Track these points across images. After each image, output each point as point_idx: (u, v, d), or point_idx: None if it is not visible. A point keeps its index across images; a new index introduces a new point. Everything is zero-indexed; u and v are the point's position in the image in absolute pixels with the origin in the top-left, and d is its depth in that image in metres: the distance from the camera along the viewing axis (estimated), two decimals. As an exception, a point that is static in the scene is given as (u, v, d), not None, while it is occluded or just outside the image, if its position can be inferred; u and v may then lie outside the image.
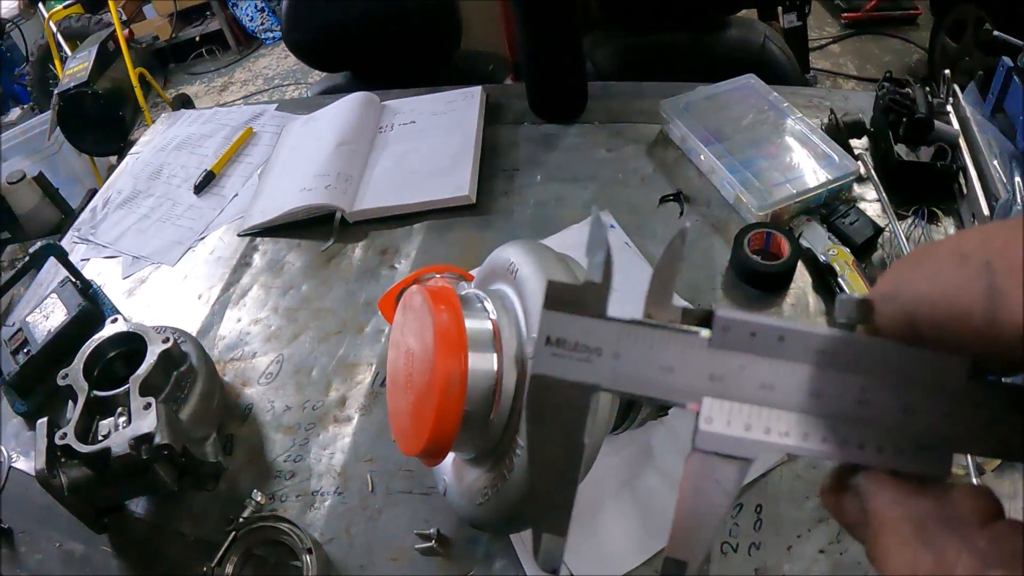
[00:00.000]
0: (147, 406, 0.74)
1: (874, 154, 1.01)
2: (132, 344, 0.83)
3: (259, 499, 0.76)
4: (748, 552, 0.68)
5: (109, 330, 0.85)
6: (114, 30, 2.98)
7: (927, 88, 0.99)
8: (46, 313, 1.00)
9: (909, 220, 0.92)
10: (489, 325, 0.60)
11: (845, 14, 3.33)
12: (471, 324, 0.59)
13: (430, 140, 1.18)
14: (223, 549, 0.72)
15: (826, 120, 1.04)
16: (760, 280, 0.88)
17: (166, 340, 0.81)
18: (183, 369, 0.83)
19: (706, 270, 0.92)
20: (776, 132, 1.04)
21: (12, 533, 0.83)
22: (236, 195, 1.22)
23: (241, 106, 1.50)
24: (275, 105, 1.42)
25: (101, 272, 1.15)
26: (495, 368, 0.58)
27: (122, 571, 0.79)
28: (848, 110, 1.04)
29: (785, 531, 0.69)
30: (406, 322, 0.64)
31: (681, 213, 1.00)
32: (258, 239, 1.13)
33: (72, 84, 2.69)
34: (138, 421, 0.73)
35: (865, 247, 0.89)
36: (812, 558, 0.67)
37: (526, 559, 0.70)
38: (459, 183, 1.08)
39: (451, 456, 0.67)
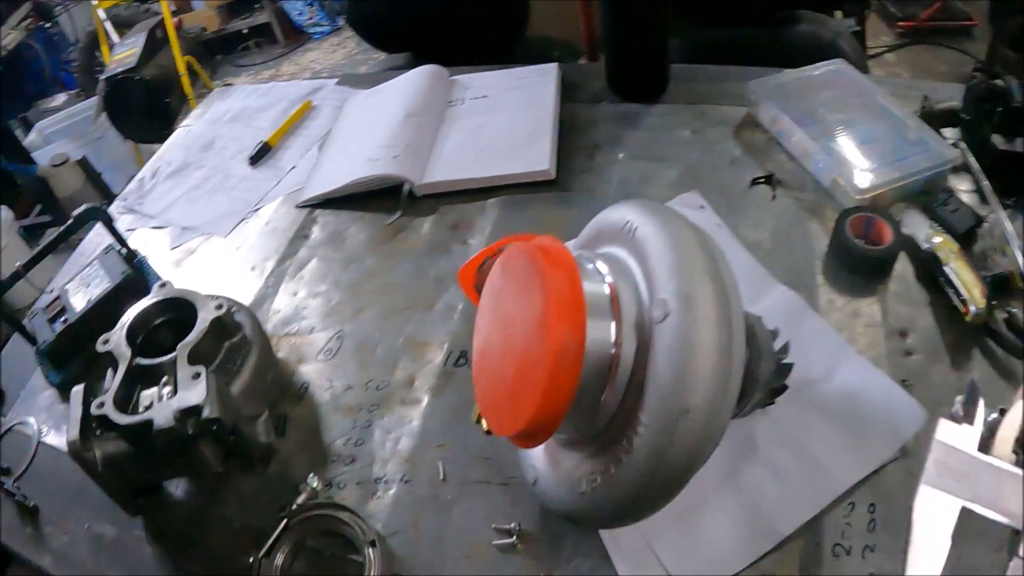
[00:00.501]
0: (196, 376, 0.67)
1: (969, 143, 0.93)
2: (181, 311, 0.76)
3: (315, 484, 0.69)
4: (862, 555, 0.60)
5: (156, 294, 0.78)
6: (163, 18, 2.96)
7: (1021, 78, 0.92)
8: (87, 281, 0.94)
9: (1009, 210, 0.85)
10: (606, 289, 0.52)
11: (900, 22, 3.24)
12: (587, 287, 0.51)
13: (504, 114, 1.12)
14: (273, 538, 0.65)
15: (920, 107, 0.97)
16: (863, 265, 0.82)
17: (219, 307, 0.74)
18: (235, 340, 0.76)
19: (804, 255, 0.85)
20: (870, 117, 0.96)
21: (38, 511, 0.77)
22: (294, 167, 1.16)
23: (299, 81, 1.44)
24: (335, 80, 1.36)
25: (147, 243, 1.09)
26: (613, 338, 0.50)
27: (157, 558, 0.71)
28: (939, 99, 0.97)
29: (902, 532, 0.60)
30: (505, 285, 0.56)
31: (774, 197, 0.92)
32: (317, 211, 1.06)
33: (119, 69, 2.67)
34: (185, 392, 0.66)
35: (967, 236, 0.82)
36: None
37: (618, 558, 0.62)
38: (538, 157, 1.01)
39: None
